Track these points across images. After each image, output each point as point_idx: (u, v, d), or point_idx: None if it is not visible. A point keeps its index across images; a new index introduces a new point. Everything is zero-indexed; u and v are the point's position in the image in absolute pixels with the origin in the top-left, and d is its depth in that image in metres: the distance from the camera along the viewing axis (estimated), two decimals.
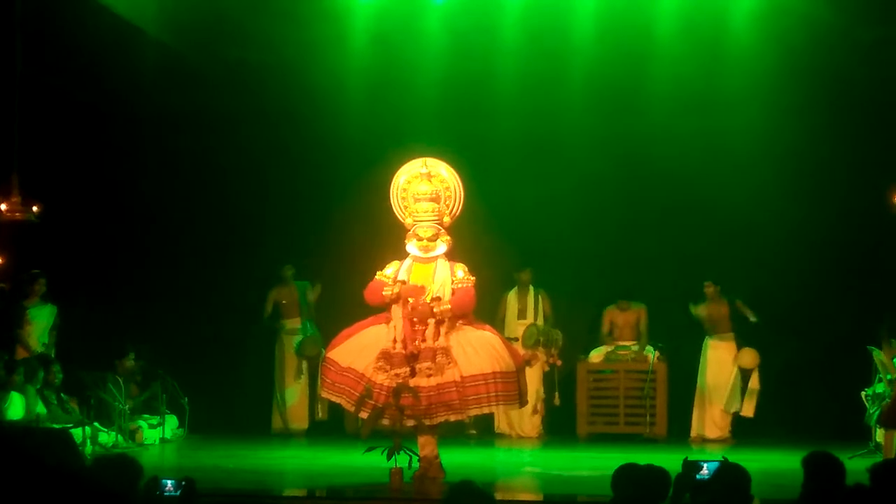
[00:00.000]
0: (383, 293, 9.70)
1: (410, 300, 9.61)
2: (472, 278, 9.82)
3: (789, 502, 6.03)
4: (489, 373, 9.49)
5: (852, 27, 13.38)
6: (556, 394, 13.08)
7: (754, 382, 13.62)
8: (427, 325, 9.56)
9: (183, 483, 5.76)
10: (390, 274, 9.79)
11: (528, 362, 10.90)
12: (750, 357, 13.60)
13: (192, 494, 5.77)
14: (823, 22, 13.41)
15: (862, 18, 13.40)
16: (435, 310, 9.61)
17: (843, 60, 13.51)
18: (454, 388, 9.41)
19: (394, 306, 9.66)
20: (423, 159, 10.04)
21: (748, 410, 13.63)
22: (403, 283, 9.67)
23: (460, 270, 9.80)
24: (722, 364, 13.76)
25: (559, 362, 12.94)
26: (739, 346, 13.72)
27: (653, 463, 5.83)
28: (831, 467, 5.86)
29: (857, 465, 7.11)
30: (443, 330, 9.56)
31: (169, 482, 5.74)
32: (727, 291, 13.77)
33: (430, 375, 9.43)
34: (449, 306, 9.65)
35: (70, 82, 13.77)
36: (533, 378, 12.87)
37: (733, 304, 13.76)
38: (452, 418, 9.52)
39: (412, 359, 9.52)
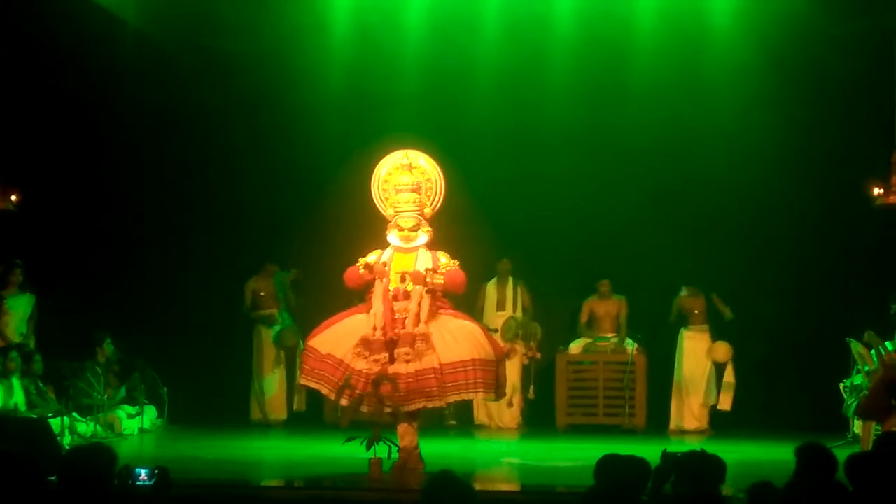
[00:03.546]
0: (359, 272, 9.72)
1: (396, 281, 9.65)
2: (457, 261, 9.86)
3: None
4: (468, 360, 9.50)
5: (830, 20, 13.42)
6: (532, 387, 13.15)
7: (729, 376, 13.66)
8: (416, 295, 9.55)
9: (156, 472, 5.73)
10: (372, 261, 9.82)
11: (507, 355, 10.92)
12: (723, 350, 13.65)
13: (166, 483, 5.74)
14: (802, 15, 13.46)
15: (839, 11, 13.45)
16: (428, 279, 9.63)
17: (821, 53, 13.57)
18: (433, 375, 9.42)
19: (374, 294, 9.67)
20: (405, 151, 10.07)
21: (725, 404, 13.66)
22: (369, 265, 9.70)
23: (443, 257, 9.84)
24: (698, 356, 13.80)
25: (538, 355, 13.02)
26: (714, 339, 13.76)
27: (632, 454, 5.85)
28: (824, 459, 5.88)
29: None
30: (423, 316, 9.56)
31: (143, 471, 5.72)
32: (706, 283, 13.80)
33: (408, 361, 9.43)
34: (441, 280, 9.68)
35: (49, 71, 13.73)
36: (511, 371, 12.89)
37: (709, 297, 13.80)
38: (430, 405, 9.52)
39: (391, 345, 9.53)
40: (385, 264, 9.73)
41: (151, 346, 13.52)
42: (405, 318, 9.59)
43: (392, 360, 9.50)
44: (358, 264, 9.84)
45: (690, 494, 5.19)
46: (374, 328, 9.58)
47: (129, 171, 14.26)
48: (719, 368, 13.70)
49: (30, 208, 13.00)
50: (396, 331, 9.58)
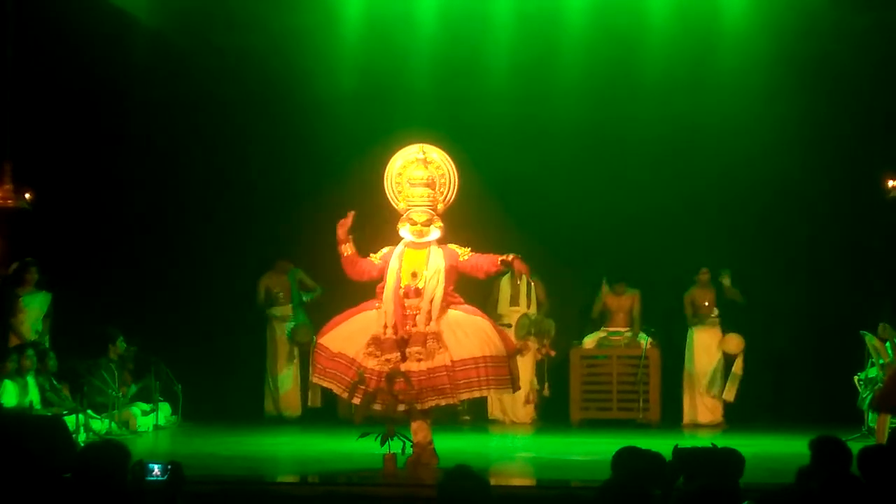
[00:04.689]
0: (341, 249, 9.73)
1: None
2: (469, 248, 9.87)
3: (784, 486, 6.03)
4: (479, 357, 9.49)
5: (844, 12, 13.38)
6: (546, 384, 13.14)
7: (737, 367, 13.65)
8: (428, 292, 9.54)
9: (169, 467, 5.74)
10: (379, 255, 9.82)
11: (520, 352, 10.91)
12: (735, 342, 13.64)
13: (179, 478, 5.75)
14: (815, 7, 13.43)
15: (853, 4, 13.42)
16: (461, 258, 9.69)
17: (834, 46, 13.53)
18: (445, 373, 9.40)
19: (385, 292, 9.65)
20: (420, 145, 10.04)
21: (729, 395, 13.65)
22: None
23: (457, 248, 9.82)
24: (708, 349, 13.79)
25: (552, 352, 12.98)
26: (724, 332, 13.75)
27: (647, 448, 5.85)
28: (839, 452, 5.88)
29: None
30: (434, 314, 9.56)
31: (156, 466, 5.72)
32: (718, 274, 13.81)
33: (420, 360, 9.42)
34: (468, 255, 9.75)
35: (62, 69, 13.76)
36: (526, 368, 12.89)
37: (720, 286, 13.77)
38: (443, 403, 9.49)
39: (403, 344, 9.52)
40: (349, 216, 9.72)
41: (165, 343, 13.54)
42: (416, 316, 9.58)
43: (403, 359, 9.49)
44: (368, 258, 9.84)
45: (700, 488, 5.18)
46: (385, 326, 9.58)
47: (142, 169, 14.28)
48: (729, 361, 13.70)
49: (44, 207, 13.03)
50: (407, 328, 9.57)
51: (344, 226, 9.78)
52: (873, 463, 5.60)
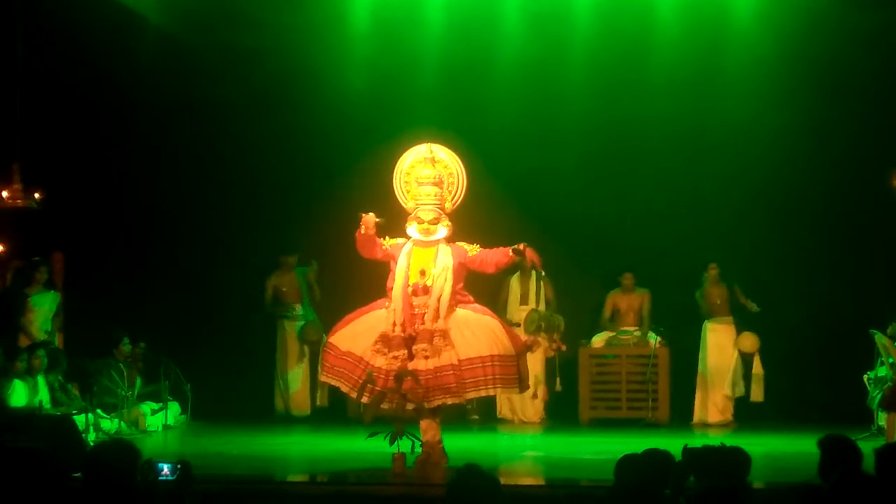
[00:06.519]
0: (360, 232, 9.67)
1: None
2: (477, 244, 9.87)
3: (797, 484, 6.02)
4: (486, 356, 9.50)
5: (850, 13, 13.36)
6: (558, 379, 13.10)
7: (758, 367, 13.64)
8: (436, 290, 9.53)
9: (178, 466, 5.73)
10: (389, 244, 9.81)
11: (530, 348, 10.88)
12: (750, 341, 13.62)
13: (188, 477, 5.74)
14: (821, 7, 13.42)
15: (859, 4, 13.40)
16: (470, 253, 9.70)
17: (840, 46, 13.51)
18: (451, 372, 9.42)
19: (394, 290, 9.67)
20: (428, 144, 10.07)
21: (757, 395, 13.63)
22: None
23: (465, 245, 9.82)
24: (722, 348, 13.77)
25: (563, 347, 12.94)
26: (739, 330, 13.73)
27: (653, 447, 5.83)
28: (848, 451, 5.87)
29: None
30: (442, 312, 9.56)
31: (165, 466, 5.71)
32: (728, 274, 13.79)
33: (426, 357, 9.43)
34: (477, 249, 9.76)
35: (71, 69, 13.78)
36: (535, 363, 12.88)
37: (732, 288, 13.77)
38: (450, 401, 9.51)
39: (410, 341, 9.53)
40: (375, 218, 9.66)
41: (175, 342, 13.55)
42: (424, 314, 9.59)
43: (411, 357, 9.50)
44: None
45: (710, 488, 5.17)
46: (394, 324, 9.58)
47: (151, 168, 14.30)
48: (745, 360, 13.68)
49: (53, 206, 13.05)
50: (416, 326, 9.58)
51: (370, 230, 9.72)
52: (889, 462, 5.58)
